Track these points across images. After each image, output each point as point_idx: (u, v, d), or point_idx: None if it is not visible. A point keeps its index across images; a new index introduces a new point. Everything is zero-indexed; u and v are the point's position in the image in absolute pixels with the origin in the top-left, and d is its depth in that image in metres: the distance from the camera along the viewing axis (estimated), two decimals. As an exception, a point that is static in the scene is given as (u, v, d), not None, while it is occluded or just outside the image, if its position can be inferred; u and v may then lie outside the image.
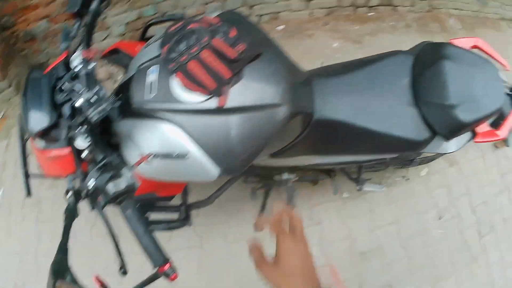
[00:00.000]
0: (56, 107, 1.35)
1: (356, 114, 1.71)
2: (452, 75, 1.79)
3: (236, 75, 1.27)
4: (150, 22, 1.90)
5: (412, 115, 1.78)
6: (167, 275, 1.08)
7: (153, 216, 1.89)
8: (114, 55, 1.73)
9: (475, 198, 3.31)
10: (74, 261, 2.38)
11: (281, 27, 3.44)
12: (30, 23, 3.12)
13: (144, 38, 1.90)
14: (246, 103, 1.29)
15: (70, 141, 1.35)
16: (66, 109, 1.34)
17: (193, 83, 1.24)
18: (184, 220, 2.02)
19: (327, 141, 1.80)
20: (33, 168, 1.84)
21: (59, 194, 2.93)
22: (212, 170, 1.35)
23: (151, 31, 1.88)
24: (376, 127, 1.72)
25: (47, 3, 3.03)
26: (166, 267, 1.08)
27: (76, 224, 2.36)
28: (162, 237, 2.30)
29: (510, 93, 2.18)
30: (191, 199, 2.09)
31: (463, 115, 1.74)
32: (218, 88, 1.24)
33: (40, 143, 1.45)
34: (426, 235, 2.97)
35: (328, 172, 2.52)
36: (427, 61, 1.85)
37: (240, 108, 1.28)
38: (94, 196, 1.19)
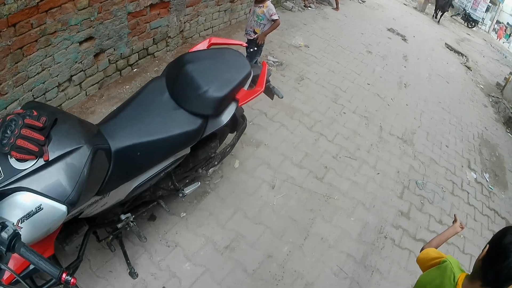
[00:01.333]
0: None
1: (142, 134, 2.04)
2: (196, 72, 2.24)
3: (48, 137, 1.57)
4: None
5: (181, 115, 2.19)
6: (68, 282, 1.22)
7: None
8: None
9: (295, 156, 3.60)
10: None
11: None
12: None
13: None
14: (61, 152, 1.57)
15: None
16: None
17: (25, 154, 1.49)
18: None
19: (132, 163, 2.04)
20: None
21: None
22: (60, 208, 1.54)
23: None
24: (160, 135, 2.08)
25: None
26: (64, 275, 1.22)
27: None
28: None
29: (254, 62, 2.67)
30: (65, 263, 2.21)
31: (216, 92, 2.20)
32: (40, 150, 1.51)
33: None
34: (271, 205, 3.15)
35: (155, 199, 2.69)
36: (174, 74, 2.29)
37: (58, 157, 1.56)
38: None
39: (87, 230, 2.24)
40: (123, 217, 2.41)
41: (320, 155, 3.74)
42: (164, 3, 4.20)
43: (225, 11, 5.39)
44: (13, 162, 1.51)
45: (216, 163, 2.90)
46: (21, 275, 1.67)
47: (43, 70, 3.30)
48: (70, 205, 1.56)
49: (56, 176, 1.55)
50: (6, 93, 3.02)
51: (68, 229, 2.08)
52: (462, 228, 2.07)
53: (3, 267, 1.29)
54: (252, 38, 4.01)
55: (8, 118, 1.56)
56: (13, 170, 1.50)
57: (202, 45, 2.52)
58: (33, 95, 3.29)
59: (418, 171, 4.21)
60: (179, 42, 4.74)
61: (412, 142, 4.64)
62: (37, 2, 2.96)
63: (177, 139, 2.15)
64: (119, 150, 1.92)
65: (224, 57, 2.42)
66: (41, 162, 1.52)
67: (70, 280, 1.22)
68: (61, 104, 3.57)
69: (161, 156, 2.19)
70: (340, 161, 3.79)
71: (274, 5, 5.30)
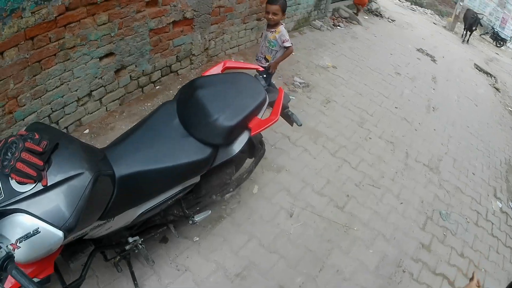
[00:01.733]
0: None
1: (148, 161, 1.98)
2: (207, 98, 2.16)
3: (47, 162, 1.57)
4: None
5: (190, 143, 2.11)
6: None
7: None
8: None
9: (317, 183, 3.45)
10: None
11: (87, 130, 3.53)
12: None
13: None
14: (60, 178, 1.55)
15: None
16: None
17: (23, 177, 1.50)
18: None
19: (137, 190, 1.98)
20: None
21: None
22: (57, 233, 1.52)
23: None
24: (166, 163, 2.01)
25: None
26: None
27: None
28: None
29: (266, 87, 2.55)
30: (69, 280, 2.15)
31: (226, 121, 2.10)
32: (39, 175, 1.52)
33: None
34: (287, 233, 3.01)
35: (165, 223, 2.60)
36: (184, 99, 2.22)
37: (57, 183, 1.54)
38: None
39: (93, 250, 2.20)
40: (130, 240, 2.36)
41: (342, 182, 3.59)
42: (188, 20, 4.13)
43: (251, 29, 5.29)
44: (13, 183, 1.52)
45: (231, 189, 2.78)
46: None
47: (62, 84, 3.26)
48: (67, 231, 1.54)
49: (54, 201, 1.54)
50: (24, 105, 2.99)
51: (74, 247, 2.05)
52: (478, 287, 1.92)
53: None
54: (263, 65, 3.79)
55: (10, 140, 1.57)
56: (13, 192, 1.50)
57: (216, 69, 2.45)
58: (51, 108, 3.25)
59: (443, 200, 4.01)
60: (204, 60, 4.63)
61: (438, 169, 4.45)
62: (55, 17, 2.91)
63: (185, 168, 2.08)
64: (123, 177, 1.87)
65: (238, 83, 2.34)
66: (39, 186, 1.52)
67: None
68: (80, 119, 3.54)
69: (167, 184, 2.12)
70: (363, 189, 3.62)
71: (302, 24, 5.15)
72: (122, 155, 1.95)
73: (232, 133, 2.20)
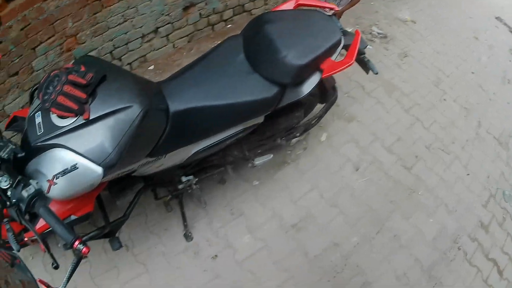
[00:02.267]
0: None
1: (207, 97, 1.79)
2: (276, 34, 1.89)
3: (92, 95, 1.46)
4: (33, 89, 1.96)
5: (256, 79, 1.88)
6: (79, 251, 1.15)
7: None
8: (14, 123, 1.83)
9: (387, 139, 3.11)
10: None
11: (152, 66, 3.36)
12: None
13: (32, 103, 1.97)
14: (104, 111, 1.43)
15: None
16: None
17: (64, 111, 1.41)
18: (110, 233, 2.06)
19: (193, 127, 1.81)
20: None
21: None
22: (96, 169, 1.43)
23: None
24: (227, 100, 1.81)
25: None
26: (77, 243, 1.16)
27: None
28: (110, 273, 2.34)
29: (344, 29, 2.21)
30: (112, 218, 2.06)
31: (296, 59, 1.84)
32: (80, 108, 1.42)
33: None
34: (351, 188, 2.74)
35: (223, 164, 2.43)
36: (252, 34, 1.97)
37: (101, 116, 1.43)
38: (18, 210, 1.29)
39: (142, 187, 2.09)
40: (184, 179, 2.24)
41: (413, 142, 3.20)
42: None
43: None
44: (53, 118, 1.45)
45: (298, 134, 2.55)
46: (45, 232, 1.65)
47: (125, 21, 3.07)
48: (107, 167, 1.45)
49: (96, 135, 1.43)
50: (84, 42, 2.87)
51: (122, 184, 1.93)
52: None
53: (23, 223, 1.28)
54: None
55: (52, 73, 1.50)
56: (53, 126, 1.43)
57: (288, 5, 2.14)
58: (113, 45, 3.12)
59: (508, 179, 3.51)
60: (279, 0, 4.12)
61: (507, 145, 3.91)
62: None
63: (247, 107, 1.88)
64: (178, 112, 1.73)
65: (311, 20, 2.04)
66: (80, 120, 1.42)
67: (82, 249, 1.16)
68: (145, 55, 3.39)
69: (227, 123, 1.94)
70: (432, 152, 3.22)
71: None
72: (179, 90, 1.80)
73: (301, 73, 1.94)
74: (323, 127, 3.01)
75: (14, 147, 1.40)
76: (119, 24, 3.01)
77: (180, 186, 2.27)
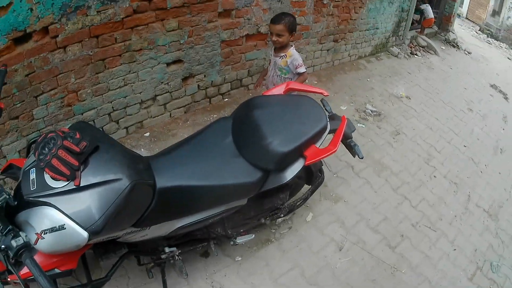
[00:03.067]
0: None
1: (193, 176, 1.85)
2: (263, 119, 1.98)
3: (84, 163, 1.53)
4: (31, 141, 2.07)
5: (240, 164, 1.93)
6: None
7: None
8: (9, 170, 1.88)
9: (373, 219, 3.15)
10: None
11: (147, 133, 3.42)
12: None
13: (29, 156, 2.10)
14: (94, 181, 1.50)
15: None
16: None
17: (56, 173, 1.47)
18: None
19: (177, 204, 1.86)
20: None
21: None
22: (82, 233, 1.46)
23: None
24: (211, 182, 1.86)
25: None
26: None
27: None
28: None
29: (331, 114, 2.36)
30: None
31: (280, 146, 1.90)
32: (72, 174, 1.48)
33: None
34: (332, 268, 2.73)
35: (206, 238, 2.43)
36: (241, 118, 2.05)
37: (91, 185, 1.49)
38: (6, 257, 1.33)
39: (126, 253, 2.09)
40: (167, 250, 2.21)
41: (399, 221, 3.24)
42: (262, 35, 3.91)
43: (327, 50, 4.97)
44: (47, 178, 1.50)
45: (282, 215, 2.58)
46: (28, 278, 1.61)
47: (125, 85, 3.15)
48: (92, 233, 1.48)
49: (85, 202, 1.49)
50: (84, 100, 2.95)
51: (107, 246, 1.96)
52: None
53: (9, 268, 1.34)
54: None
55: (49, 135, 1.56)
56: (45, 185, 1.49)
57: (279, 89, 2.24)
58: (112, 107, 3.19)
59: (496, 250, 3.54)
60: None
61: (497, 216, 3.96)
62: (122, 18, 2.82)
63: (231, 190, 1.92)
64: (164, 189, 1.77)
65: (299, 106, 2.12)
66: (71, 185, 1.49)
67: None
68: (142, 121, 3.45)
69: (210, 203, 1.97)
70: (418, 230, 3.25)
71: (380, 49, 4.63)
72: (167, 167, 1.84)
73: (284, 160, 1.99)
74: (309, 207, 3.05)
75: (8, 196, 1.43)
76: (120, 87, 3.10)
77: (163, 256, 2.25)
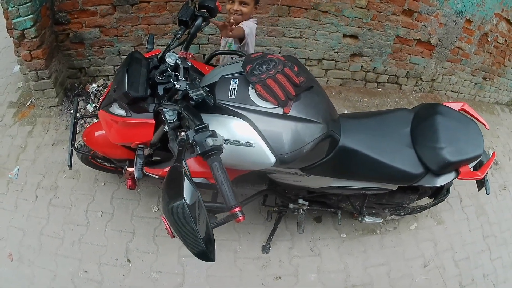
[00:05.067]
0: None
1: (369, 147, 1.88)
2: (442, 126, 2.00)
3: (297, 95, 1.52)
4: (215, 53, 2.21)
5: (410, 154, 1.96)
6: (235, 216, 1.14)
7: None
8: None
9: (458, 253, 3.05)
10: (85, 247, 2.55)
11: None
12: (83, 27, 2.99)
13: (208, 63, 2.15)
14: (300, 115, 1.51)
15: (156, 114, 1.59)
16: (160, 89, 1.59)
17: (269, 94, 1.46)
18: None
19: (347, 166, 1.91)
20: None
21: (78, 185, 2.82)
22: (270, 158, 1.47)
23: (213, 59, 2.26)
24: (383, 159, 1.89)
25: (105, 14, 2.94)
26: (237, 209, 1.14)
27: (93, 215, 2.68)
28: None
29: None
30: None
31: (449, 155, 1.93)
32: (286, 101, 1.47)
33: (120, 111, 1.65)
34: (412, 279, 2.72)
35: (335, 207, 2.51)
36: (424, 116, 2.07)
37: (295, 118, 1.50)
38: (180, 151, 1.24)
39: (263, 190, 2.17)
40: (300, 201, 2.29)
41: (476, 266, 3.07)
42: (430, 46, 3.82)
43: (475, 84, 4.66)
44: (251, 93, 1.49)
45: (402, 213, 2.62)
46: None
47: (300, 37, 3.20)
48: (281, 161, 1.49)
49: (284, 131, 1.48)
50: (257, 35, 2.76)
51: (248, 176, 1.93)
52: None
53: (179, 159, 1.18)
54: None
55: (269, 56, 1.54)
56: (248, 100, 1.48)
57: (455, 105, 2.21)
58: (279, 52, 3.27)
59: None
60: (426, 89, 4.27)
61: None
62: None
63: (395, 172, 1.94)
64: (344, 147, 1.83)
65: (468, 128, 2.10)
66: (279, 111, 1.48)
67: (239, 216, 1.14)
68: None
69: (372, 177, 2.02)
70: (485, 281, 3.06)
71: None
72: (352, 129, 1.88)
73: (446, 167, 2.00)
74: (416, 218, 3.01)
75: (205, 94, 1.42)
76: (294, 37, 3.11)
77: (291, 206, 2.33)
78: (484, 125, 2.34)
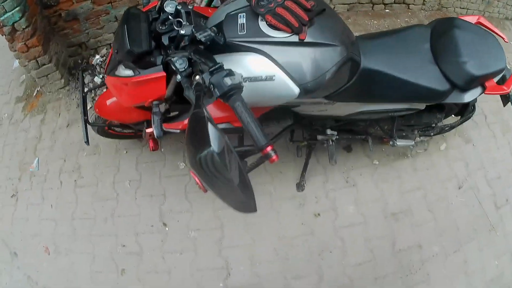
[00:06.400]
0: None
1: (392, 67, 1.76)
2: (462, 40, 1.87)
3: (311, 21, 1.38)
4: None
5: (434, 71, 1.84)
6: (269, 156, 1.05)
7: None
8: None
9: (490, 172, 2.92)
10: (119, 221, 2.48)
11: None
12: (73, 4, 2.86)
13: (210, 5, 2.03)
14: (317, 40, 1.38)
15: (165, 66, 1.46)
16: (164, 39, 1.45)
17: (281, 23, 1.33)
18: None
19: (372, 88, 1.80)
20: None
21: (100, 160, 2.77)
22: (294, 89, 1.38)
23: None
24: (407, 77, 1.77)
25: (93, -15, 2.74)
26: (268, 149, 1.05)
27: (121, 186, 2.60)
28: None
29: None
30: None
31: (474, 69, 1.82)
32: (300, 27, 1.34)
33: (127, 72, 1.52)
34: (449, 201, 2.62)
35: (365, 133, 2.40)
36: (442, 31, 1.94)
37: (313, 43, 1.37)
38: (198, 96, 1.15)
39: (289, 125, 2.07)
40: (328, 131, 2.22)
41: (508, 185, 2.95)
42: None
43: (482, 0, 4.36)
44: (262, 25, 1.38)
45: (431, 133, 2.50)
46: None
47: None
48: (305, 91, 1.40)
49: (304, 59, 1.37)
50: None
51: (272, 114, 1.85)
52: None
53: (198, 104, 1.08)
54: None
55: None
56: (259, 32, 1.36)
57: (471, 18, 2.06)
58: None
59: None
60: (435, 6, 4.00)
61: None
62: None
63: (421, 91, 1.82)
64: (366, 70, 1.70)
65: (488, 41, 1.95)
66: (294, 38, 1.36)
67: (273, 155, 1.05)
68: None
69: (399, 97, 1.89)
70: None
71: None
72: (371, 50, 1.74)
73: (473, 82, 1.88)
74: (444, 138, 2.90)
75: (213, 34, 1.31)
76: None
77: (320, 137, 2.24)
78: (503, 38, 2.20)
